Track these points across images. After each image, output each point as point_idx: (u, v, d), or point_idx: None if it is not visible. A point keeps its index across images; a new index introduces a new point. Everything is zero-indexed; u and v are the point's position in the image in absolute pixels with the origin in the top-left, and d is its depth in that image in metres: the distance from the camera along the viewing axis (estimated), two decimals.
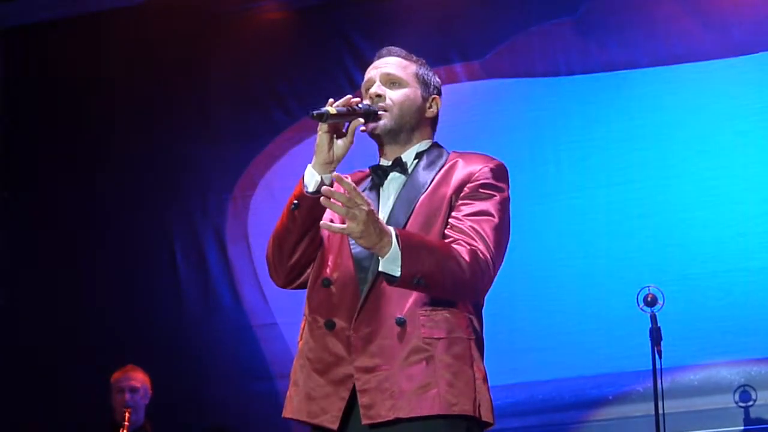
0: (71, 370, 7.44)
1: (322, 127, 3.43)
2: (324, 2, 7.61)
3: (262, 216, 7.46)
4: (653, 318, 5.97)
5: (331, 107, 3.40)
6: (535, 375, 6.77)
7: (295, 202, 3.45)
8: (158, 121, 7.77)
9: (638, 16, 7.00)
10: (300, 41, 7.56)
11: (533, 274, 6.85)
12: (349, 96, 3.47)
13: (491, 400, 3.44)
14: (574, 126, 6.98)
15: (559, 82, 7.08)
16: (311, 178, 3.45)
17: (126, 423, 6.61)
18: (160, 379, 7.20)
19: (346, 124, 3.47)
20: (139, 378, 6.83)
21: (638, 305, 6.03)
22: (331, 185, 3.41)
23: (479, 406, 3.38)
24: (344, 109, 3.42)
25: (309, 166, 3.47)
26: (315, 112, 3.37)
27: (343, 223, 3.26)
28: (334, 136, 3.46)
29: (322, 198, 3.16)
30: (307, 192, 3.43)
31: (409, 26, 7.22)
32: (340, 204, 3.16)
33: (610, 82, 6.99)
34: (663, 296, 6.01)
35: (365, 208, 3.18)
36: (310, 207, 3.44)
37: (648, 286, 6.06)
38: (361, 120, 3.48)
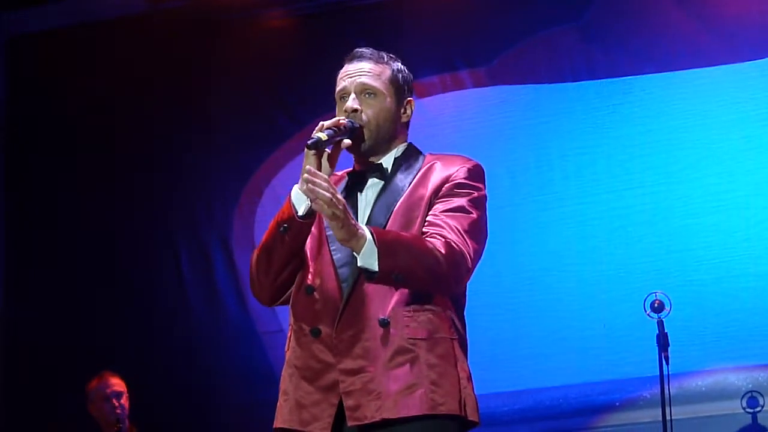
0: (74, 377, 7.42)
1: (310, 152, 3.41)
2: (329, 9, 7.62)
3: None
4: (660, 324, 5.98)
5: (322, 133, 3.39)
6: (541, 381, 6.76)
7: (285, 225, 3.45)
8: (163, 129, 7.77)
9: (644, 23, 6.99)
10: (305, 48, 7.56)
11: (540, 280, 6.86)
12: (337, 118, 3.48)
13: (476, 400, 3.45)
14: (580, 132, 6.98)
15: (564, 88, 7.08)
16: (300, 202, 3.44)
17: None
18: (166, 386, 7.22)
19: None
20: (120, 383, 6.80)
21: (645, 311, 6.04)
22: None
23: (465, 405, 3.39)
24: (332, 131, 3.42)
25: (296, 188, 3.46)
26: (309, 143, 3.36)
27: (321, 234, 3.44)
28: (322, 159, 3.44)
29: (307, 185, 3.20)
30: (297, 217, 3.43)
31: (415, 33, 7.22)
32: (324, 190, 3.19)
33: (616, 89, 6.98)
34: (670, 302, 6.01)
35: (341, 198, 3.24)
36: (299, 230, 3.45)
37: (655, 292, 6.06)
38: (348, 141, 3.48)
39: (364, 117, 3.55)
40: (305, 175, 3.22)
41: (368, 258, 3.26)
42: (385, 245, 3.27)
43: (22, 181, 8.02)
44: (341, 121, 3.47)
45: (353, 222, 3.26)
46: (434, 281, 3.38)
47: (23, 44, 8.13)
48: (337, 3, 7.60)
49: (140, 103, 7.79)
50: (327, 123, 3.43)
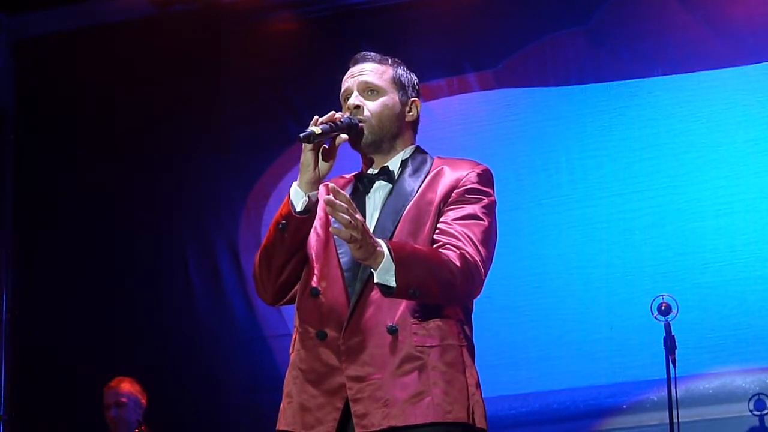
0: (83, 381, 7.44)
1: (307, 146, 3.42)
2: (336, 12, 7.62)
3: None
4: (667, 327, 5.96)
5: (316, 127, 3.39)
6: (549, 384, 6.76)
7: (283, 222, 3.44)
8: (171, 132, 7.78)
9: (650, 26, 7.00)
10: (312, 51, 7.56)
11: (547, 283, 6.85)
12: (332, 112, 3.47)
13: (484, 407, 3.44)
14: (587, 135, 6.98)
15: (571, 91, 7.08)
16: (298, 198, 3.45)
17: None
18: (173, 389, 7.21)
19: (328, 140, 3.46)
20: (125, 392, 6.80)
21: (652, 314, 6.02)
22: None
23: (473, 412, 3.38)
24: (328, 126, 3.41)
25: (294, 185, 3.47)
26: (302, 135, 3.37)
27: (327, 236, 3.40)
28: (320, 153, 3.45)
29: (327, 207, 3.16)
30: (295, 212, 3.43)
31: (423, 36, 7.22)
32: (342, 213, 3.16)
33: (623, 91, 6.98)
34: (677, 305, 6.00)
35: (359, 217, 3.20)
36: (297, 226, 3.45)
37: (662, 295, 6.05)
38: (345, 136, 3.48)
39: (366, 112, 3.56)
40: (325, 197, 3.18)
41: (385, 274, 3.24)
42: (402, 261, 3.24)
43: (31, 183, 8.03)
44: (337, 116, 3.47)
45: (371, 241, 3.22)
46: (449, 295, 3.38)
47: (32, 47, 8.14)
48: (344, 6, 7.61)
49: (147, 107, 7.80)
50: (322, 118, 3.43)
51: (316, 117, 3.43)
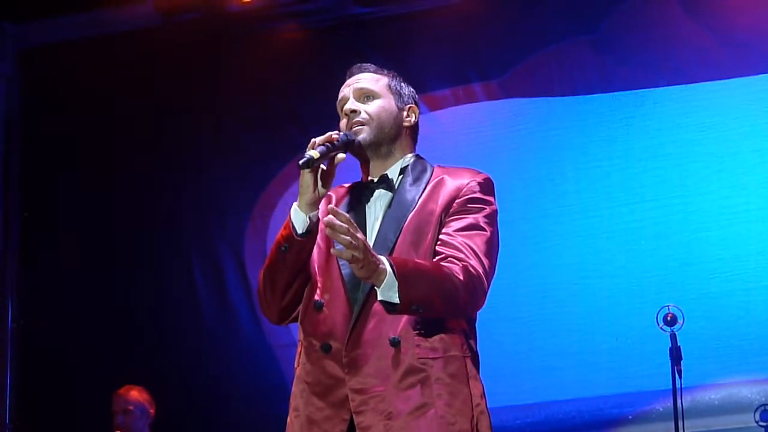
0: (89, 389, 7.44)
1: (305, 169, 3.40)
2: (341, 22, 7.62)
3: None
4: (673, 337, 5.96)
5: (314, 150, 3.37)
6: (554, 394, 6.75)
7: (285, 245, 3.43)
8: (177, 142, 7.78)
9: (656, 36, 7.00)
10: (317, 60, 7.56)
11: (552, 293, 6.85)
12: (329, 133, 3.45)
13: (489, 417, 3.43)
14: (593, 145, 6.98)
15: (577, 101, 7.08)
16: (299, 220, 3.42)
17: None
18: (179, 399, 7.20)
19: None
20: (132, 399, 6.81)
21: (658, 324, 6.02)
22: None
23: (477, 423, 3.37)
24: (325, 147, 3.40)
25: (295, 206, 3.44)
26: (301, 162, 3.35)
27: (329, 248, 3.33)
28: (318, 174, 3.43)
29: (327, 230, 3.14)
30: (296, 235, 3.41)
31: (428, 45, 7.22)
32: (343, 234, 3.13)
33: (629, 101, 6.98)
34: (683, 315, 5.99)
35: (361, 237, 3.18)
36: (300, 248, 3.43)
37: (667, 306, 6.04)
38: (343, 155, 3.46)
39: (364, 114, 3.56)
40: (325, 218, 3.16)
41: (388, 291, 3.23)
42: (405, 278, 3.23)
43: (37, 191, 8.03)
44: (333, 136, 3.45)
45: (373, 259, 3.20)
46: (453, 309, 3.37)
47: (37, 56, 8.14)
48: (350, 16, 7.61)
49: (152, 115, 7.80)
50: (319, 139, 3.42)
51: (313, 140, 3.41)
